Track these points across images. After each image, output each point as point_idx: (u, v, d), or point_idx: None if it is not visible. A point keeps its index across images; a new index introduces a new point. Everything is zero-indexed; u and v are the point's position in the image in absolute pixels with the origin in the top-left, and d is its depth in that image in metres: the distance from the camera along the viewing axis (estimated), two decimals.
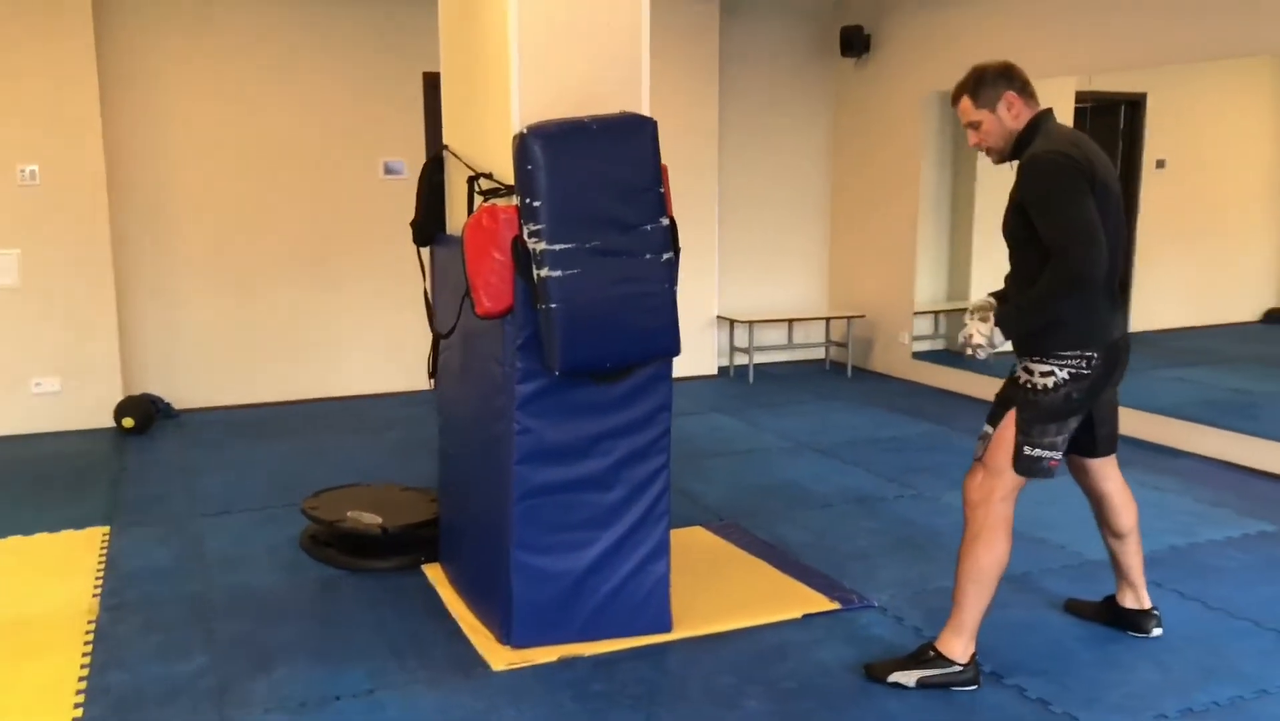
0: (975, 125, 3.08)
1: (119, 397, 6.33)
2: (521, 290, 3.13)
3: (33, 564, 4.13)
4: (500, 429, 3.28)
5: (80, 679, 3.14)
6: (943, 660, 3.03)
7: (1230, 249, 7.08)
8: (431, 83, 7.04)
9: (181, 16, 6.44)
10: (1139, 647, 3.29)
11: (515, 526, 3.26)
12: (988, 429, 3.09)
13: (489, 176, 3.33)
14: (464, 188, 3.56)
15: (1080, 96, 6.83)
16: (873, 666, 3.12)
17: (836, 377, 7.77)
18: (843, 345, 8.06)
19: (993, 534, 3.00)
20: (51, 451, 5.82)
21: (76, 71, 6.04)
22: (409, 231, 7.40)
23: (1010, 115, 3.02)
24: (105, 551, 4.24)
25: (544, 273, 3.04)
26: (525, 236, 3.07)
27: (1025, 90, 3.04)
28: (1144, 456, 5.52)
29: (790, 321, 8.07)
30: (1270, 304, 6.79)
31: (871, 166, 7.92)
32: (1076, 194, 2.82)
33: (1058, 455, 3.01)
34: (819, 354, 8.34)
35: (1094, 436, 3.19)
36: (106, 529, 4.52)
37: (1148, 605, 3.40)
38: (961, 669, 3.02)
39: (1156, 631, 3.38)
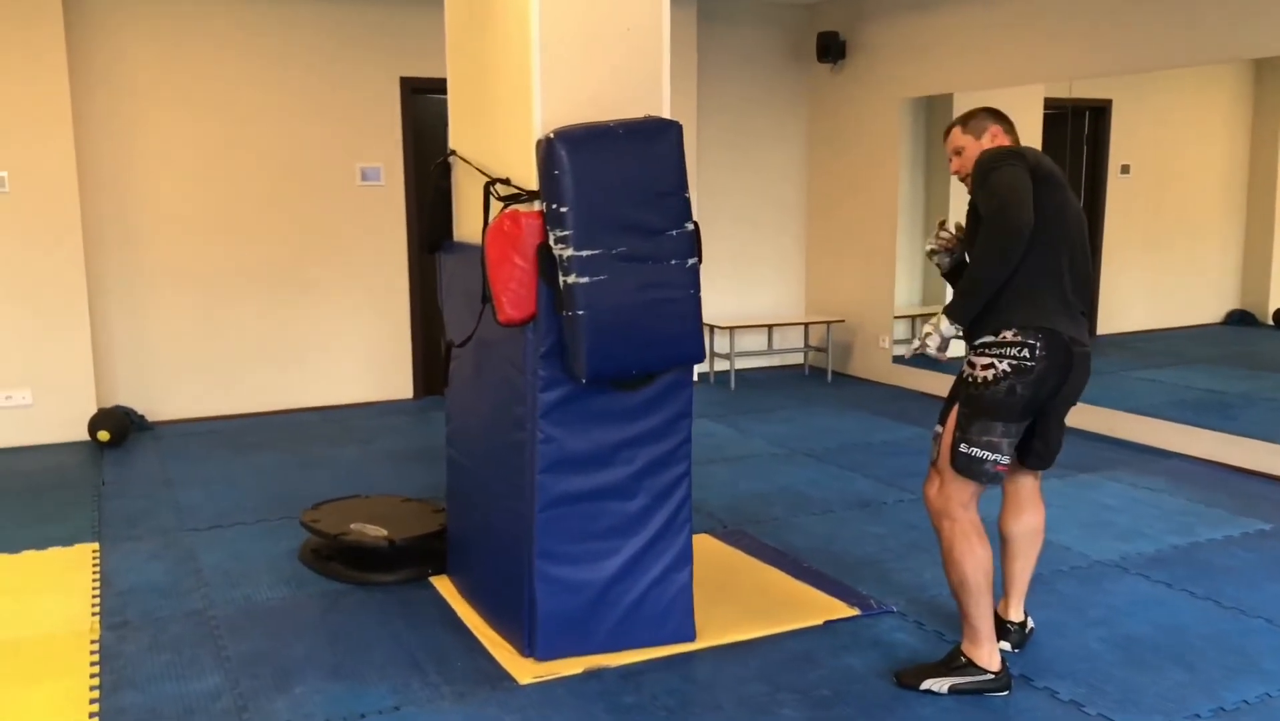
0: (959, 151, 3.19)
1: (92, 410, 6.16)
2: (545, 297, 3.09)
3: (24, 583, 3.99)
4: (521, 437, 3.22)
5: (92, 700, 3.03)
6: (974, 667, 3.03)
7: (1193, 252, 7.21)
8: (411, 87, 6.96)
9: (154, 21, 6.29)
10: (1164, 648, 3.32)
11: (538, 536, 3.21)
12: (938, 428, 3.10)
13: (506, 182, 3.27)
14: (475, 193, 3.51)
15: (1048, 103, 6.95)
16: (904, 674, 3.11)
17: (817, 383, 7.80)
18: (822, 350, 8.08)
19: (965, 543, 3.00)
20: (27, 466, 5.64)
21: (47, 77, 5.88)
22: (386, 238, 7.36)
23: (991, 145, 3.11)
24: (98, 568, 4.11)
25: (570, 279, 2.99)
26: (551, 242, 3.03)
27: (1010, 132, 3.17)
28: (1130, 457, 5.60)
29: (770, 327, 8.08)
30: (1232, 305, 6.92)
31: (848, 171, 7.97)
32: (1011, 170, 2.90)
33: (1002, 458, 2.95)
34: (798, 359, 8.37)
35: (1030, 446, 3.09)
36: (96, 545, 4.38)
37: (1011, 617, 3.32)
38: (994, 676, 3.02)
39: (1002, 645, 3.20)
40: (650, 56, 3.26)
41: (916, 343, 3.05)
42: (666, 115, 3.28)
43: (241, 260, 6.65)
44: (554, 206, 3.01)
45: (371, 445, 6.03)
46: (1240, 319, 6.82)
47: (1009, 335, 2.91)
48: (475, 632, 3.49)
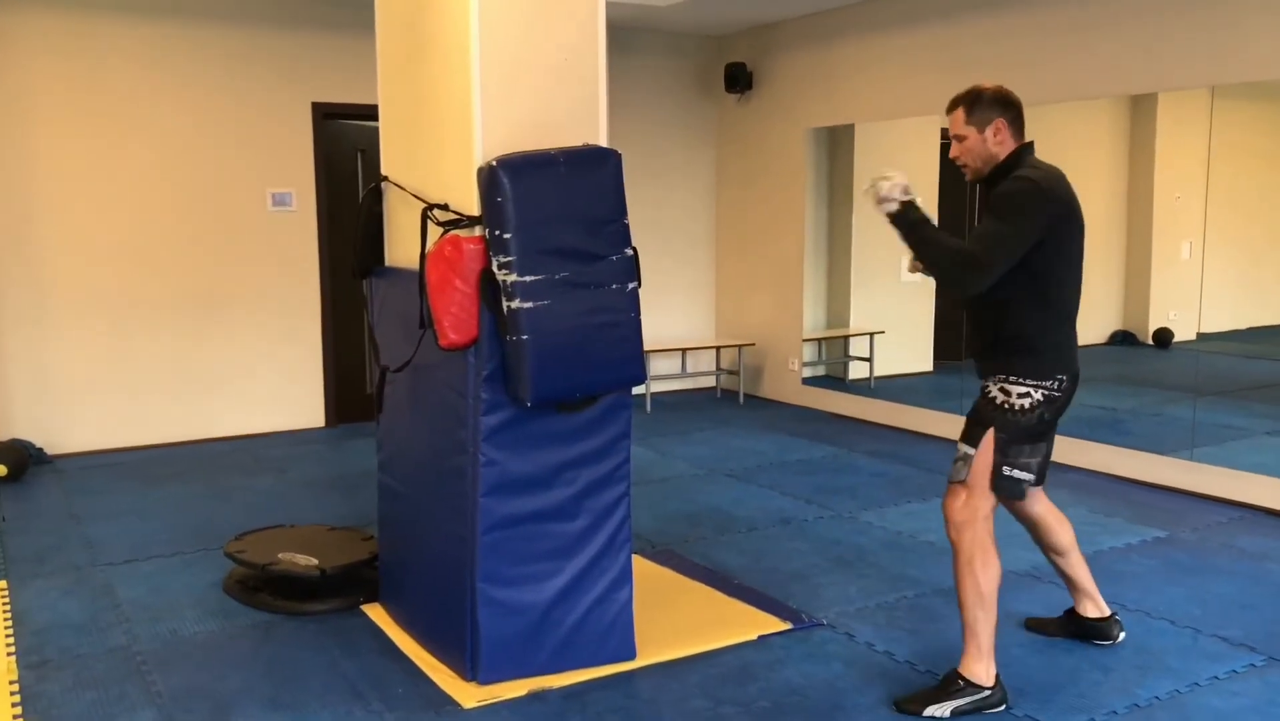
0: (960, 139, 3.17)
1: None
2: (487, 320, 3.12)
3: None
4: (462, 461, 3.24)
5: None
6: (971, 686, 3.08)
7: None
8: (322, 112, 6.90)
9: (59, 40, 6.12)
10: (1079, 651, 3.49)
11: (481, 560, 3.22)
12: (966, 449, 3.15)
13: (445, 208, 3.30)
14: (409, 219, 3.53)
15: (944, 133, 7.24)
16: (903, 701, 3.12)
17: (729, 404, 7.94)
18: (734, 373, 8.24)
19: (985, 554, 3.09)
20: None
21: None
22: (298, 264, 7.24)
23: (994, 140, 3.12)
24: (7, 607, 3.96)
25: (514, 305, 3.03)
26: (495, 268, 3.06)
27: (1015, 122, 3.14)
28: None
29: (683, 351, 8.20)
30: (1116, 326, 7.29)
31: (756, 199, 8.17)
32: (1025, 227, 2.97)
33: (1032, 477, 3.15)
34: (710, 382, 8.50)
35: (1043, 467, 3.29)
36: (3, 583, 4.21)
37: (1108, 612, 3.54)
38: (990, 691, 3.08)
39: (1120, 636, 3.51)
40: (586, 83, 3.33)
41: (879, 177, 3.06)
42: (603, 141, 3.35)
43: (148, 286, 6.47)
44: (497, 233, 3.05)
45: (286, 474, 5.92)
46: (1123, 339, 7.18)
47: (1045, 379, 3.10)
48: (414, 658, 3.47)
